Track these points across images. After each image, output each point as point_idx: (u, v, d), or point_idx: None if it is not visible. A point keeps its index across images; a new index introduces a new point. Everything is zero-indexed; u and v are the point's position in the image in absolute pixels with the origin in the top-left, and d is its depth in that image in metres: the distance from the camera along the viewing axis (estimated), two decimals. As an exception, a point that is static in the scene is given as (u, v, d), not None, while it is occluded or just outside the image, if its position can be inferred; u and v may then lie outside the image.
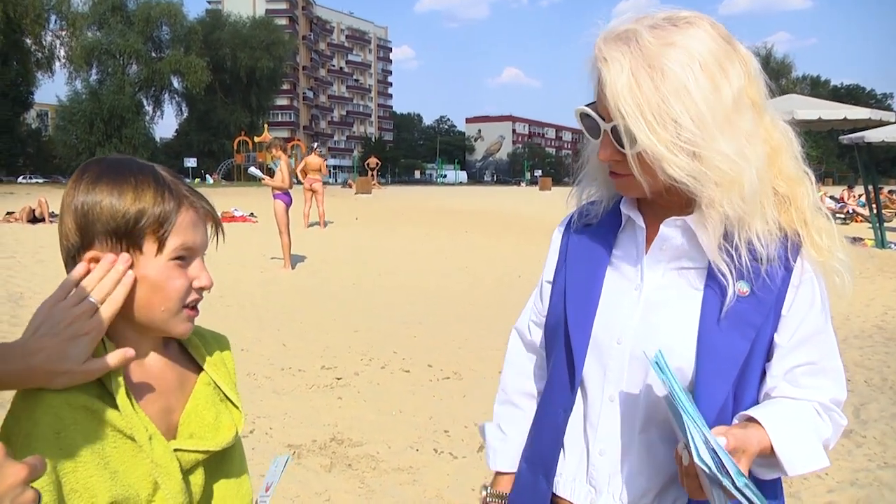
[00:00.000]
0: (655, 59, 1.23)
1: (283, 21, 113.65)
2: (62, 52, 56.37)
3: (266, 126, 59.98)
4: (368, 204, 34.10)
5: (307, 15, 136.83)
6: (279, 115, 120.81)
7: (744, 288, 1.30)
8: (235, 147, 67.37)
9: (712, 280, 1.32)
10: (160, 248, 1.20)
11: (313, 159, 20.01)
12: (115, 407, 1.16)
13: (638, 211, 1.43)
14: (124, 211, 1.18)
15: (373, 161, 61.67)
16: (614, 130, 1.28)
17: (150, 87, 75.07)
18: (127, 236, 1.19)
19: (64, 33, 56.63)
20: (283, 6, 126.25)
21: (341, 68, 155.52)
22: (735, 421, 1.30)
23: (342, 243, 16.04)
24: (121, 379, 1.18)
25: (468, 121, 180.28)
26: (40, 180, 63.39)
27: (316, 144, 21.38)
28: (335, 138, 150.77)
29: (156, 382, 1.27)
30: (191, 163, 72.08)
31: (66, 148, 65.94)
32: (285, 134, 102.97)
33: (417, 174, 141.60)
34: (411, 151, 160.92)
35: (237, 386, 1.42)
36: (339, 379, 5.93)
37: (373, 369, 6.27)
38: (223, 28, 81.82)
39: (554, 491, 1.48)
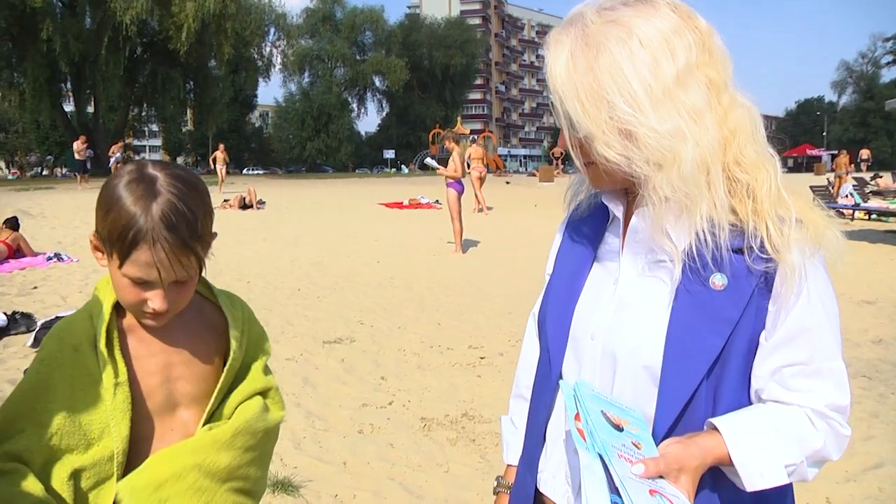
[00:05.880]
0: (593, 37, 1.16)
1: (476, 21, 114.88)
2: (278, 60, 60.42)
3: (459, 119, 61.02)
4: (550, 192, 33.81)
5: (499, 14, 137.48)
6: (472, 109, 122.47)
7: (719, 281, 1.15)
8: (430, 139, 69.18)
9: (686, 273, 1.18)
10: (120, 265, 1.26)
11: (476, 149, 21.11)
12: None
13: (619, 202, 1.32)
14: (105, 217, 1.26)
15: (557, 150, 60.99)
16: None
17: (355, 86, 79.58)
18: (104, 240, 1.28)
19: (281, 43, 60.58)
20: (477, 7, 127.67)
21: (532, 63, 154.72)
22: (705, 428, 1.16)
23: (516, 230, 16.02)
24: (114, 332, 1.33)
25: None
26: (260, 171, 68.53)
27: (477, 136, 22.36)
28: (525, 129, 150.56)
29: (162, 338, 1.38)
30: (389, 154, 75.59)
31: (281, 143, 71.43)
32: (478, 126, 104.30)
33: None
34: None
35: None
36: (482, 358, 5.94)
37: (517, 350, 6.16)
38: (420, 30, 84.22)
39: (537, 486, 1.40)
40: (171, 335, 1.39)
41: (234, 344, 1.43)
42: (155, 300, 1.28)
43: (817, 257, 1.15)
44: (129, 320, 1.37)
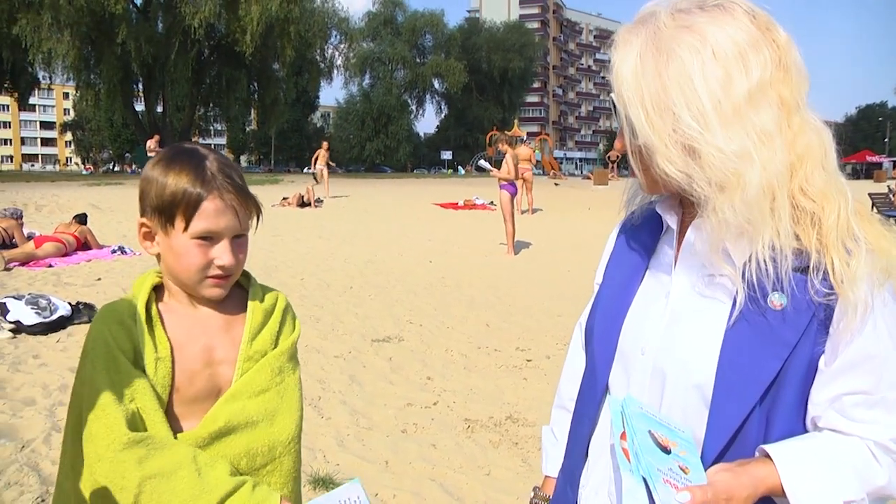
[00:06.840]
0: (665, 42, 1.07)
1: (534, 25, 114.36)
2: (339, 62, 60.97)
3: (516, 122, 60.75)
4: (603, 195, 33.38)
5: (557, 18, 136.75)
6: (529, 111, 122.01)
7: (777, 300, 1.06)
8: (488, 141, 69.08)
9: (745, 290, 1.09)
10: (186, 227, 1.34)
11: (524, 150, 20.87)
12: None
13: (673, 212, 1.23)
14: (163, 191, 1.35)
15: (613, 154, 60.32)
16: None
17: (414, 88, 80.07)
18: (163, 212, 1.35)
19: (343, 46, 61.13)
20: (535, 11, 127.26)
21: (589, 66, 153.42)
22: (756, 455, 1.07)
23: (569, 232, 15.84)
24: (154, 309, 1.39)
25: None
26: (321, 171, 69.31)
27: (526, 136, 21.88)
28: (582, 132, 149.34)
29: (201, 323, 1.43)
30: (446, 155, 75.82)
31: (342, 142, 72.26)
32: (535, 128, 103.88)
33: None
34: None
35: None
36: (529, 361, 5.84)
37: (565, 354, 6.06)
38: (479, 33, 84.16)
39: (578, 502, 1.33)
40: (209, 321, 1.43)
41: (245, 334, 1.44)
42: (223, 255, 1.36)
43: (887, 288, 1.05)
44: (167, 305, 1.41)
